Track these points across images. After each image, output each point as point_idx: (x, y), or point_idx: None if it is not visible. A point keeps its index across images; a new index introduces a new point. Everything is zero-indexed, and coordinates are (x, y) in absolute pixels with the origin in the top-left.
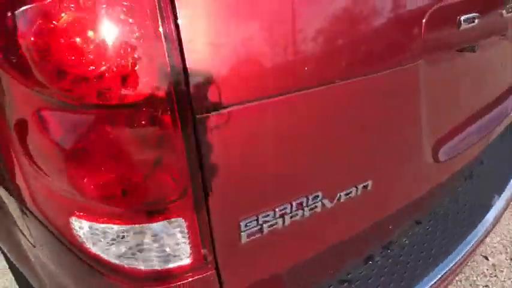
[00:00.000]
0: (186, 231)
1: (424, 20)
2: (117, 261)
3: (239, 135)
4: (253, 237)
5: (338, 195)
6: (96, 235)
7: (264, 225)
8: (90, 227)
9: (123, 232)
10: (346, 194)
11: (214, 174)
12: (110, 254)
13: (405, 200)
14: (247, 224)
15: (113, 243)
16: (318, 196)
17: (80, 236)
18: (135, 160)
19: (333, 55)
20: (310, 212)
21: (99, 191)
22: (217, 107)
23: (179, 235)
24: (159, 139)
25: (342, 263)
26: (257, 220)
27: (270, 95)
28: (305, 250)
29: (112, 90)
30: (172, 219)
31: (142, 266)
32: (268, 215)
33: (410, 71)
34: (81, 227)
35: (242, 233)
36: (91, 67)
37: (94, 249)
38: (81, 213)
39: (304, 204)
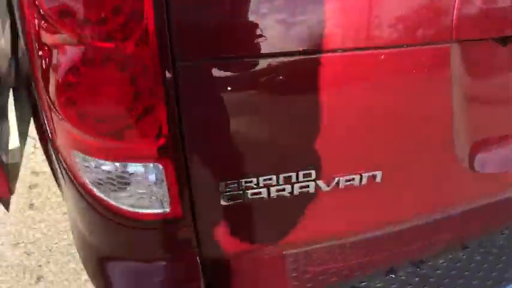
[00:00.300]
0: (164, 178)
1: None
2: (105, 197)
3: (221, 90)
4: (235, 202)
5: (336, 179)
6: (89, 169)
7: (246, 191)
8: (83, 160)
9: (109, 169)
10: (347, 181)
11: (193, 125)
12: (101, 190)
13: (434, 211)
14: (228, 186)
15: (102, 179)
16: (309, 174)
17: (78, 170)
18: (120, 98)
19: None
20: (300, 190)
21: (88, 126)
22: (199, 58)
23: (158, 181)
24: (142, 81)
25: (346, 264)
26: (238, 184)
27: (262, 55)
28: (297, 233)
29: (105, 33)
30: (151, 164)
31: (126, 207)
32: (251, 181)
33: (439, 52)
34: (77, 161)
35: (222, 195)
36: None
37: (89, 185)
38: (79, 147)
39: (293, 180)
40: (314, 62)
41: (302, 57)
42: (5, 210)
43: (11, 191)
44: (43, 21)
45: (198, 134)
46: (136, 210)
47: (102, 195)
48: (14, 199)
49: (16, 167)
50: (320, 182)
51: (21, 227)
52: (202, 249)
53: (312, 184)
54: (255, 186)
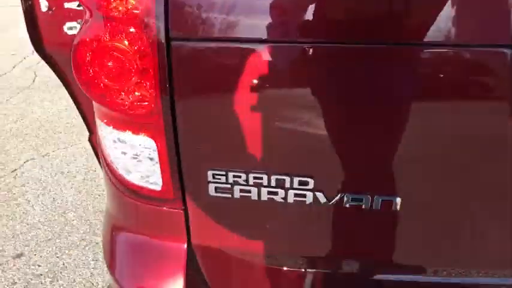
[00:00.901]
0: (157, 154)
1: None
2: (112, 164)
3: (214, 73)
4: (222, 194)
5: (340, 195)
6: (103, 137)
7: (234, 186)
8: (100, 128)
9: (113, 136)
10: (355, 200)
11: (184, 104)
12: (111, 155)
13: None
14: (215, 176)
15: (110, 146)
16: (307, 183)
17: (99, 137)
18: (119, 70)
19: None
20: (295, 198)
21: (93, 94)
22: (192, 38)
23: (150, 155)
24: (138, 54)
25: None
26: (226, 176)
27: (261, 39)
28: (288, 245)
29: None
30: (143, 136)
31: (126, 176)
32: (239, 176)
33: (494, 57)
34: (100, 128)
35: (210, 184)
36: None
37: (104, 150)
38: (98, 115)
39: (287, 185)
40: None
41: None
42: None
43: None
44: None
45: (189, 114)
46: (133, 181)
47: (112, 164)
48: None
49: None
50: (320, 195)
51: None
52: (192, 237)
53: (309, 195)
54: (243, 182)
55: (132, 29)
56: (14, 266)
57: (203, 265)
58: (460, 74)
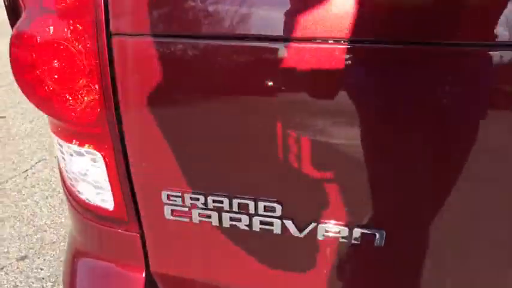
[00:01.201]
0: (104, 168)
1: None
2: (66, 180)
3: (164, 75)
4: (180, 218)
5: (312, 225)
6: (56, 149)
7: (193, 210)
8: (53, 139)
9: (64, 149)
10: (328, 231)
11: (128, 113)
12: (64, 169)
13: None
14: (170, 198)
15: (61, 160)
16: (273, 209)
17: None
18: (58, 70)
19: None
20: (261, 226)
21: (36, 98)
22: (133, 33)
23: (99, 170)
24: (85, 53)
25: None
26: (182, 198)
27: (205, 35)
28: (256, 279)
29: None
30: (90, 148)
31: (79, 193)
32: (197, 199)
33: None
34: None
35: (165, 207)
36: None
37: (59, 163)
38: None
39: (251, 211)
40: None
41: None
42: None
43: None
44: None
45: (137, 125)
46: (87, 199)
47: (66, 180)
48: None
49: None
50: (289, 223)
51: None
52: (151, 265)
53: (277, 223)
54: (202, 206)
55: (78, 24)
56: (17, 268)
57: None
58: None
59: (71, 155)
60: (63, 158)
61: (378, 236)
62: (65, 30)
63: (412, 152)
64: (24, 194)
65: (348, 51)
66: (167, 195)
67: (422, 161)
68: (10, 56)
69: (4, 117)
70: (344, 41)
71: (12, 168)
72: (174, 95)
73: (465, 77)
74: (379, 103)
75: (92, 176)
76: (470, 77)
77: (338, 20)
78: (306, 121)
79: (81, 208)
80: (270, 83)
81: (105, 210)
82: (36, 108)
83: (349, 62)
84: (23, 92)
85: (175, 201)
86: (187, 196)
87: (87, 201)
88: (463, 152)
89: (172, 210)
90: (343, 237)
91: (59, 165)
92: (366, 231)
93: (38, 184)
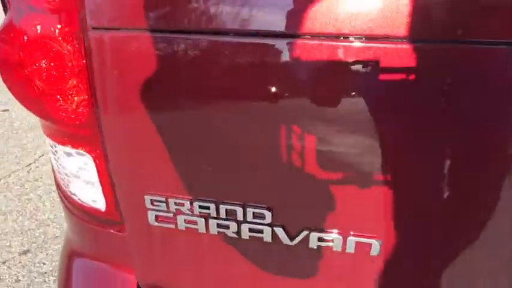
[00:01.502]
0: (95, 170)
1: None
2: (59, 180)
3: (144, 72)
4: (165, 224)
5: (303, 233)
6: (50, 151)
7: (178, 216)
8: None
9: (56, 151)
10: (322, 240)
11: (106, 112)
12: (57, 171)
13: None
14: (154, 203)
15: (55, 161)
16: (263, 216)
17: None
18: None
19: None
20: (251, 234)
21: (26, 100)
22: (110, 26)
23: (90, 172)
24: (74, 52)
25: None
26: (167, 203)
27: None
28: None
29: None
30: (81, 150)
31: (72, 194)
32: (182, 204)
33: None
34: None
35: (149, 212)
36: None
37: (53, 165)
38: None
39: (239, 217)
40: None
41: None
42: None
43: None
44: None
45: (116, 125)
46: (80, 200)
47: (60, 180)
48: None
49: None
50: (279, 231)
51: None
52: (136, 273)
53: (266, 230)
54: (188, 211)
55: (65, 24)
56: (19, 262)
57: None
58: None
59: (63, 156)
60: (56, 160)
61: (373, 245)
62: (53, 30)
63: (406, 158)
64: (27, 188)
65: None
66: (150, 200)
67: (417, 168)
68: None
69: (7, 110)
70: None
71: (15, 162)
72: (155, 94)
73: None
74: (373, 108)
75: (83, 177)
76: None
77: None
78: (299, 125)
79: (74, 209)
80: (257, 83)
81: (98, 210)
82: None
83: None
84: (12, 93)
85: (159, 206)
86: (171, 201)
87: (80, 202)
88: (457, 159)
89: (156, 216)
90: (336, 247)
91: (52, 166)
92: (361, 240)
93: (41, 178)
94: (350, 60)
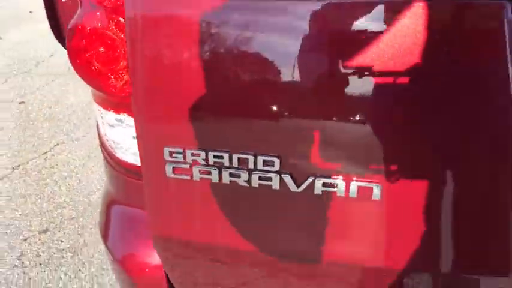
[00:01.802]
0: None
1: None
2: (106, 143)
3: (171, 42)
4: (181, 176)
5: (308, 179)
6: (98, 118)
7: (194, 167)
8: (96, 110)
9: (107, 117)
10: (326, 185)
11: (139, 75)
12: (105, 136)
13: None
14: (172, 154)
15: (105, 127)
16: (272, 163)
17: None
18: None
19: None
20: (260, 182)
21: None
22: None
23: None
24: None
25: None
26: (184, 154)
27: None
28: (255, 239)
29: None
30: (123, 116)
31: (120, 155)
32: (198, 155)
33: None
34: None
35: (167, 164)
36: None
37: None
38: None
39: (251, 166)
40: None
41: None
42: None
43: None
44: None
45: (143, 84)
46: (126, 159)
47: (107, 143)
48: None
49: None
50: (287, 178)
51: None
52: (151, 225)
53: (275, 178)
54: (203, 162)
55: (120, 18)
56: (39, 240)
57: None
58: None
59: (109, 120)
60: (102, 123)
61: (375, 189)
62: (110, 22)
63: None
64: (44, 174)
65: None
66: (169, 151)
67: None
68: (67, 43)
69: (23, 102)
70: None
71: (32, 151)
72: (177, 56)
73: None
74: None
75: (131, 140)
76: None
77: None
78: (310, 76)
79: (115, 164)
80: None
81: (134, 165)
82: (54, 94)
83: None
84: (77, 73)
85: (177, 157)
86: (188, 152)
87: (121, 158)
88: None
89: (173, 168)
90: (340, 192)
91: (98, 130)
92: (363, 184)
93: (57, 165)
94: None
